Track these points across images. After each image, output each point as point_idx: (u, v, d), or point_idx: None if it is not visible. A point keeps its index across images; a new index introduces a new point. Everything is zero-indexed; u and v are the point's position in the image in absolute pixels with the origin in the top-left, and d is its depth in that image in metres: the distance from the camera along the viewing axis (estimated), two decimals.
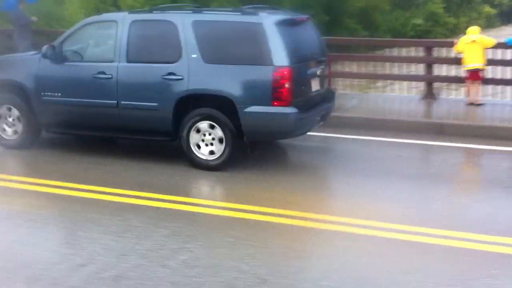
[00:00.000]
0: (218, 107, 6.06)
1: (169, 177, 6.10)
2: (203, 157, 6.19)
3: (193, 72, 6.09)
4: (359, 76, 10.69)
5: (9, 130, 7.12)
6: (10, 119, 7.07)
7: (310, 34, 6.73)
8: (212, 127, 6.12)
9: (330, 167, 6.52)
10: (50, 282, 3.84)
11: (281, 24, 6.05)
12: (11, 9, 11.01)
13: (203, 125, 6.13)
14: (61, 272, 3.97)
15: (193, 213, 5.14)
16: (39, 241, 4.55)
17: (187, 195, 5.65)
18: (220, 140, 6.10)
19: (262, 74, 5.90)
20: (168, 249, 4.33)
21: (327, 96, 6.94)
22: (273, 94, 5.86)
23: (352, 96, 10.05)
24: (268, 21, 5.99)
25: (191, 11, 6.57)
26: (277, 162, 6.80)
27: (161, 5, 7.29)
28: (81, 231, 4.71)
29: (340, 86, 10.30)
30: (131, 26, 6.44)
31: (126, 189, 5.65)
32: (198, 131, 6.16)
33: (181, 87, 6.13)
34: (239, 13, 6.32)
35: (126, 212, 5.11)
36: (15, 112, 7.00)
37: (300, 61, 6.14)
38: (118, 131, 6.64)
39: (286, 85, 5.84)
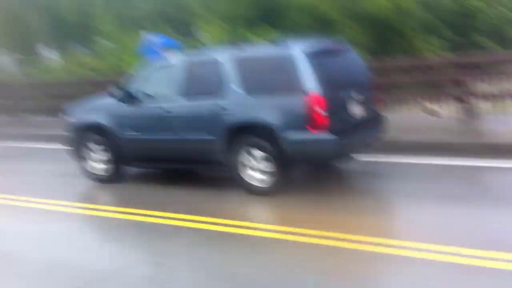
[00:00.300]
0: (263, 135, 6.45)
1: (307, 210, 6.14)
2: (254, 183, 6.61)
3: (238, 105, 6.61)
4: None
5: (98, 166, 7.90)
6: (99, 156, 7.89)
7: (349, 61, 6.99)
8: (258, 154, 6.52)
9: (487, 198, 5.97)
10: None
11: (312, 53, 6.33)
12: (153, 55, 11.76)
13: (251, 152, 6.57)
14: None
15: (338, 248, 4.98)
16: (208, 276, 4.73)
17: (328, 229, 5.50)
18: (267, 166, 6.49)
19: (296, 102, 6.22)
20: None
21: (373, 120, 7.10)
22: (307, 120, 6.17)
23: (497, 118, 9.10)
24: (297, 51, 6.31)
25: (233, 49, 6.97)
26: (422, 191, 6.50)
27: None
28: (232, 267, 4.85)
29: (477, 108, 9.63)
30: (186, 67, 7.14)
31: (264, 223, 5.92)
32: (246, 158, 6.60)
33: (229, 119, 6.67)
34: (273, 46, 6.67)
35: (273, 248, 5.20)
36: (103, 150, 7.85)
37: (335, 87, 6.34)
38: (182, 162, 7.32)
39: (319, 111, 6.12)
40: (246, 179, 6.68)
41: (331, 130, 6.22)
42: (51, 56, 26.90)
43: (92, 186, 7.99)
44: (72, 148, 8.18)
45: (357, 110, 6.73)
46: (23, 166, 9.83)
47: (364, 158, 7.49)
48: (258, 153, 6.56)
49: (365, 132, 6.89)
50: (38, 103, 14.95)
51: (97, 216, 6.67)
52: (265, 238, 5.44)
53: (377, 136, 7.20)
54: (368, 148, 7.16)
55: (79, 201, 7.54)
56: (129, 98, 7.59)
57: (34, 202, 7.30)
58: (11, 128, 13.75)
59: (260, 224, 5.92)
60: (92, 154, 7.98)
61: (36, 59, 25.86)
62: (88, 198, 7.78)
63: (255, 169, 6.62)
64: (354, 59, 7.18)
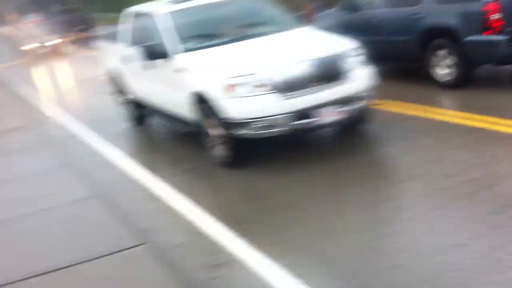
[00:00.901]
0: (448, 37, 7.48)
1: None
2: (441, 77, 7.69)
3: (429, 11, 7.75)
4: None
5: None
6: None
7: None
8: (445, 53, 7.58)
9: None
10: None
11: None
12: None
13: (439, 52, 7.66)
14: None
15: None
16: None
17: None
18: (453, 64, 7.50)
19: (475, 8, 7.09)
20: None
21: None
22: (483, 25, 7.01)
23: None
24: None
25: None
26: None
27: None
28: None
29: None
30: None
31: None
32: (436, 57, 7.70)
33: (422, 23, 7.83)
34: None
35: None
36: None
37: None
38: (388, 60, 8.40)
39: (493, 17, 6.92)
40: (434, 74, 7.85)
41: (504, 33, 6.92)
42: None
43: None
44: None
45: None
46: None
47: None
48: (444, 52, 7.66)
49: None
50: None
51: None
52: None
53: None
54: None
55: None
56: (351, 7, 9.36)
57: None
58: None
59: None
60: None
61: None
62: None
63: (443, 65, 7.73)
64: None
